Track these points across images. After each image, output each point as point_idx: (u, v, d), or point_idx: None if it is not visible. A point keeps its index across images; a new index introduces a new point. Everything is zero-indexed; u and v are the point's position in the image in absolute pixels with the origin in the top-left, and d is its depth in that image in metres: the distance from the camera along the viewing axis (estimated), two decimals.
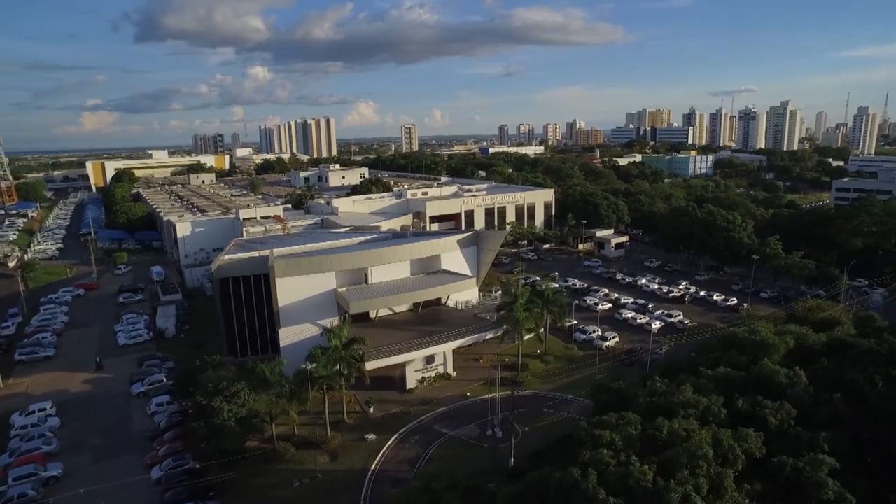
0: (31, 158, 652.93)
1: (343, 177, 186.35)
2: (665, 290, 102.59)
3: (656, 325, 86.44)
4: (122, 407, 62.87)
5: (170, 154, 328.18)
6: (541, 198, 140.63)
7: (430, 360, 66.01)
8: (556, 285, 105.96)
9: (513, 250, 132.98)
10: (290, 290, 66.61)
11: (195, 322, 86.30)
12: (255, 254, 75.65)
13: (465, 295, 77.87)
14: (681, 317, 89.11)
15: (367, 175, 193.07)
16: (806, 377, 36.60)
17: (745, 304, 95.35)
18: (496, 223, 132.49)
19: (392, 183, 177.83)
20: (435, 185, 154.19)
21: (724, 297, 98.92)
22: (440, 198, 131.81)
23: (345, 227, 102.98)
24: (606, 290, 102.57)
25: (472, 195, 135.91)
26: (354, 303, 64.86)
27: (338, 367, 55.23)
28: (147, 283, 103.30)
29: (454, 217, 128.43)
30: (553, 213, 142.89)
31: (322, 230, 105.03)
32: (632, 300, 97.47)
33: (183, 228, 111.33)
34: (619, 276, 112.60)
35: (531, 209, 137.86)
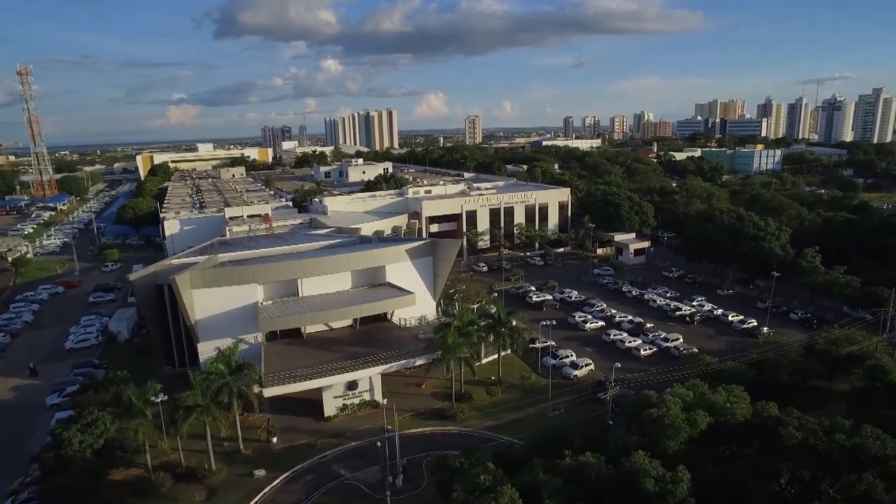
0: (119, 150, 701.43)
1: (364, 172, 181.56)
2: (673, 307, 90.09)
3: (646, 350, 75.30)
4: (29, 420, 60.06)
5: (215, 147, 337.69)
6: (555, 197, 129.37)
7: (352, 385, 58.97)
8: (551, 297, 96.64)
9: (519, 254, 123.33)
10: (209, 303, 61.62)
11: None
12: (201, 258, 71.44)
13: (417, 310, 70.04)
14: (680, 341, 77.12)
15: (390, 170, 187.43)
16: (694, 481, 26.27)
17: (765, 328, 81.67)
18: (502, 224, 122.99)
19: (411, 179, 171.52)
20: (441, 182, 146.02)
21: (741, 317, 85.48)
22: (438, 197, 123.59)
23: (329, 228, 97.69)
24: (604, 305, 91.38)
25: (480, 194, 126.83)
26: (265, 320, 58.86)
27: (221, 395, 49.35)
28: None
29: (455, 218, 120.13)
30: (569, 214, 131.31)
31: (304, 231, 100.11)
32: (628, 318, 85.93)
33: (171, 226, 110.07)
34: (625, 288, 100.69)
35: (543, 210, 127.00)
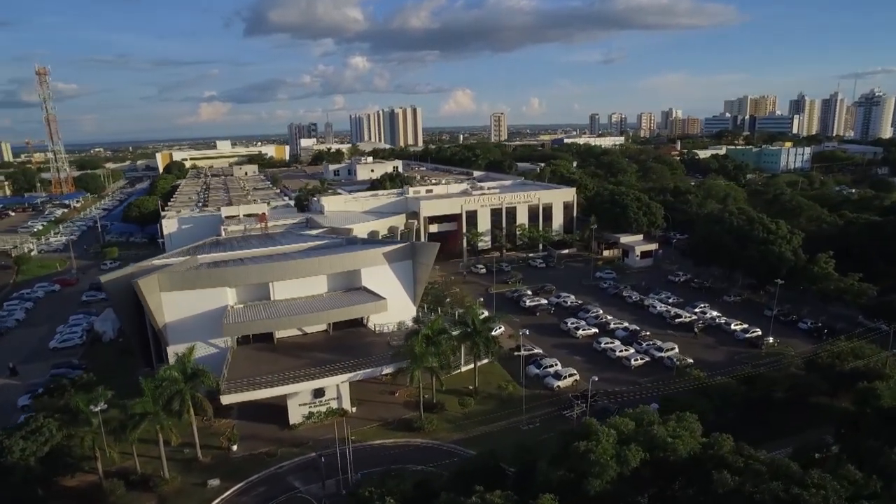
0: (150, 147, 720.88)
1: (372, 170, 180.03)
2: (673, 314, 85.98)
3: (637, 360, 71.68)
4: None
5: (233, 144, 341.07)
6: (559, 198, 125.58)
7: (318, 393, 57.20)
8: (546, 301, 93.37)
9: (521, 255, 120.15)
10: (178, 306, 60.49)
11: None
12: (180, 259, 70.78)
13: (396, 316, 67.81)
14: (674, 351, 73.19)
15: (400, 168, 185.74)
16: None
17: (770, 338, 77.11)
18: (504, 225, 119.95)
19: (419, 177, 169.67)
20: (443, 181, 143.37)
21: (744, 326, 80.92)
22: (437, 197, 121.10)
23: (323, 228, 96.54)
24: (600, 311, 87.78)
25: (482, 193, 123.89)
26: (228, 325, 57.45)
27: (173, 402, 48.07)
28: None
29: (456, 218, 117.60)
30: (575, 214, 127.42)
31: (297, 231, 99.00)
32: (624, 325, 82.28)
33: (169, 225, 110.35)
34: (626, 293, 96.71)
35: (547, 210, 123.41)
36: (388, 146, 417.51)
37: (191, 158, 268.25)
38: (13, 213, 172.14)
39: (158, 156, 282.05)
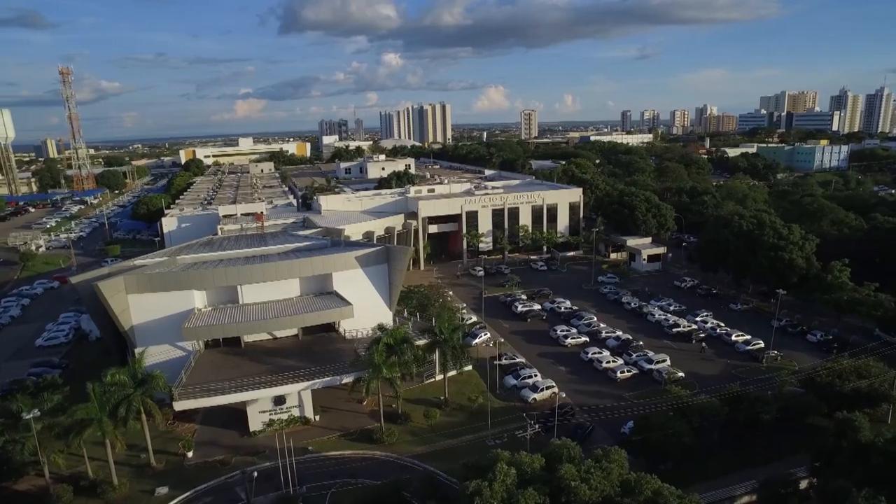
0: (187, 143, 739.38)
1: (383, 168, 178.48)
2: (671, 323, 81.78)
3: (624, 372, 67.98)
4: None
5: (255, 141, 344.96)
6: (565, 198, 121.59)
7: (279, 400, 55.77)
8: (539, 306, 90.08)
9: (524, 257, 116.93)
10: (146, 308, 59.79)
11: None
12: (161, 259, 70.46)
13: (371, 321, 65.69)
14: (666, 363, 69.23)
15: (412, 167, 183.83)
16: None
17: (773, 351, 72.32)
18: (506, 226, 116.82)
19: (429, 176, 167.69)
20: (447, 180, 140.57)
21: (746, 337, 76.26)
22: (438, 196, 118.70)
23: (317, 228, 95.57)
24: (594, 318, 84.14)
25: (485, 193, 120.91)
26: (187, 329, 56.40)
27: (120, 408, 47.22)
28: None
29: (456, 218, 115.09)
30: (581, 215, 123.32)
31: (291, 231, 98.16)
32: (616, 334, 78.50)
33: (169, 223, 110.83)
34: (625, 299, 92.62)
35: (552, 211, 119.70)
36: (413, 143, 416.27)
37: (213, 155, 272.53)
38: (33, 210, 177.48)
39: (182, 152, 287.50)
